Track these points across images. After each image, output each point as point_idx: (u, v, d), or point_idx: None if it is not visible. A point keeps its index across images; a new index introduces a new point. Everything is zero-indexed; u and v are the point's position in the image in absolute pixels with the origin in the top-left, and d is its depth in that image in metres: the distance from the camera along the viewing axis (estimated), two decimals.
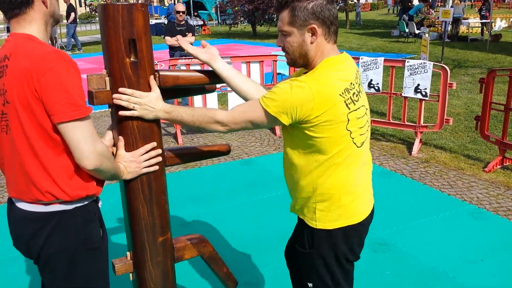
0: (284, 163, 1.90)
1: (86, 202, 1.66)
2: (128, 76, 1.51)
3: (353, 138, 1.69)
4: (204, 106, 6.02)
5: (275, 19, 20.74)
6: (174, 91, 1.71)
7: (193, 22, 23.80)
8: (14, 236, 1.69)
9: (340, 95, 1.62)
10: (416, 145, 5.44)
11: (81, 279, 1.68)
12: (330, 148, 1.67)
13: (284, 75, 7.78)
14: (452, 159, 5.13)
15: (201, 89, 1.78)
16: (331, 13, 1.63)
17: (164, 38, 7.51)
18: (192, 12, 24.39)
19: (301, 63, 1.73)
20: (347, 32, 21.09)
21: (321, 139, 1.65)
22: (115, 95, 1.57)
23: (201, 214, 3.96)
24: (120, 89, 1.56)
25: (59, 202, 1.58)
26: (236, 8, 20.37)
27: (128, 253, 1.86)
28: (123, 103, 1.57)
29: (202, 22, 24.70)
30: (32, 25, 1.55)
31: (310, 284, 1.87)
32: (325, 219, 1.77)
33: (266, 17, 20.37)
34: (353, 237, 1.82)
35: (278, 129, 6.25)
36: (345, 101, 1.63)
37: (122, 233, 3.53)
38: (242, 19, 21.93)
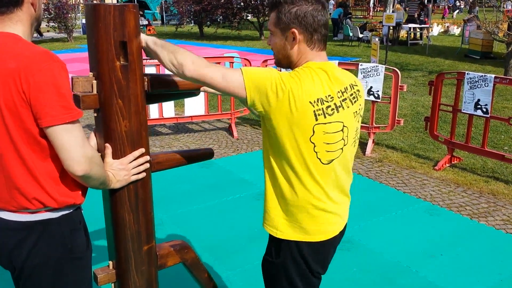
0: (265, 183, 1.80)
1: (71, 210, 1.59)
2: (118, 80, 1.46)
3: (317, 153, 1.62)
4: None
5: (221, 21, 20.73)
6: (161, 95, 1.67)
7: None
8: None
9: (310, 102, 1.56)
10: (370, 146, 5.64)
11: None
12: (293, 154, 1.62)
13: None
14: (404, 159, 5.36)
15: (188, 93, 1.75)
16: (315, 20, 1.62)
17: None
18: None
19: (285, 64, 1.73)
20: None
21: (282, 138, 1.59)
22: None
23: (164, 218, 3.88)
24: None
25: (46, 210, 1.50)
26: (182, 8, 20.12)
27: (110, 262, 1.79)
28: None
29: (146, 22, 24.22)
30: (18, 25, 1.46)
31: None
32: (288, 230, 1.72)
33: (213, 18, 20.28)
34: (314, 253, 1.76)
35: (235, 131, 6.25)
36: (314, 111, 1.56)
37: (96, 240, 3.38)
38: (188, 19, 21.69)
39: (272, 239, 1.79)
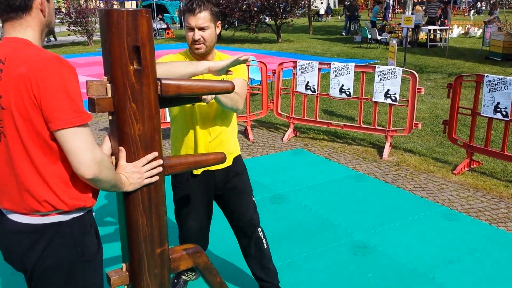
0: (220, 131, 2.51)
1: (82, 213, 1.60)
2: (131, 84, 1.47)
3: None
4: None
5: (237, 24, 20.77)
6: (173, 99, 1.68)
7: (157, 25, 23.49)
8: (5, 250, 1.61)
9: None
10: (387, 149, 5.58)
11: None
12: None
13: (254, 79, 7.80)
14: (422, 162, 5.29)
15: (200, 98, 1.76)
16: None
17: None
18: (155, 15, 24.09)
19: (211, 49, 2.38)
20: (311, 37, 21.40)
21: None
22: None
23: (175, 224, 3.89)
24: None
25: (57, 213, 1.52)
26: None
27: (123, 265, 1.81)
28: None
29: (165, 26, 24.45)
30: (28, 31, 1.49)
31: (254, 199, 2.71)
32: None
33: (231, 21, 20.34)
34: None
35: (251, 134, 6.26)
36: None
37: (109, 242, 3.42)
38: None
39: (238, 159, 2.65)
